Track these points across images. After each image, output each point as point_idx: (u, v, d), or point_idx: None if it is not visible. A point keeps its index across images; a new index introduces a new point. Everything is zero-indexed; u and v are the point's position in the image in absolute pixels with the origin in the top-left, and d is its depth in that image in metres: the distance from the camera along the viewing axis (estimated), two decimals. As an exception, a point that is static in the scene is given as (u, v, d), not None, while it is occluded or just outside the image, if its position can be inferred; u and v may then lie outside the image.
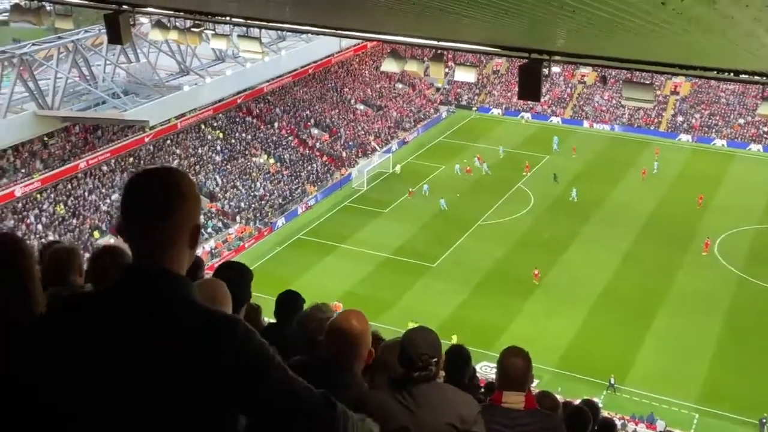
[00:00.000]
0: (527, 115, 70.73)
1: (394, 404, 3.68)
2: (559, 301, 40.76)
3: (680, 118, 68.33)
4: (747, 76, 10.25)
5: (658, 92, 66.07)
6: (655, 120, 68.42)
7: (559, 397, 8.85)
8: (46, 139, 46.26)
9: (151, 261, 2.30)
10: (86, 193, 45.89)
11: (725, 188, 55.50)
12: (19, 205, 43.06)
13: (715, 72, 10.99)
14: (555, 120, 70.50)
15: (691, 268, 44.53)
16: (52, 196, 44.54)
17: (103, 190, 46.70)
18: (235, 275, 4.17)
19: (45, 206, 43.86)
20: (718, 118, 67.70)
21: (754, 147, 63.83)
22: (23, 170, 44.32)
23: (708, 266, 44.77)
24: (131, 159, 49.78)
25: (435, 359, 3.84)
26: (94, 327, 2.23)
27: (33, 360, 2.26)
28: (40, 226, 42.46)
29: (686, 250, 46.38)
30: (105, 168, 47.96)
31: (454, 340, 33.95)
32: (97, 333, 2.22)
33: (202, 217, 48.91)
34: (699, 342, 37.21)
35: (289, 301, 6.04)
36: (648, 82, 14.38)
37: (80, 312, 2.30)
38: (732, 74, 10.42)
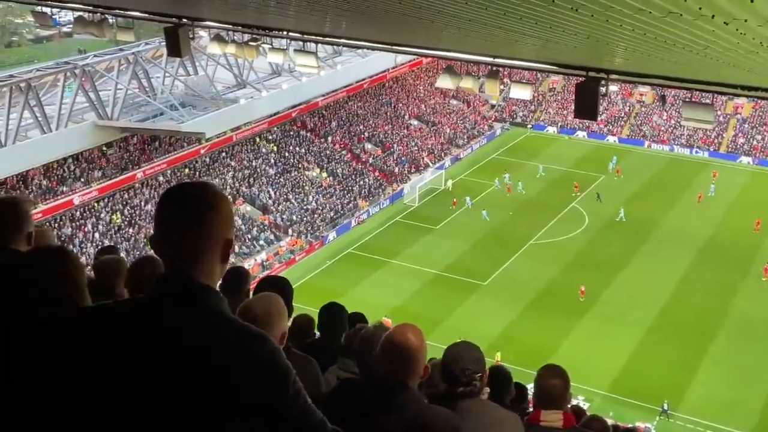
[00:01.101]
0: (582, 134, 70.02)
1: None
2: (612, 323, 40.09)
3: (741, 140, 66.89)
4: (812, 98, 9.95)
5: (719, 112, 64.84)
6: (715, 141, 67.08)
7: (610, 422, 8.66)
8: (104, 148, 47.26)
9: (181, 272, 2.32)
10: (142, 203, 46.69)
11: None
12: (77, 213, 43.98)
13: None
14: (612, 139, 69.61)
15: (749, 292, 43.43)
16: (110, 205, 45.42)
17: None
18: (276, 290, 4.15)
19: (102, 215, 44.72)
20: (780, 140, 66.18)
21: (818, 170, 62.21)
22: (82, 179, 45.30)
23: (768, 292, 43.68)
24: (187, 170, 50.55)
25: (479, 374, 3.74)
26: (118, 335, 2.26)
27: (50, 363, 2.29)
28: (96, 235, 43.31)
29: (745, 275, 45.30)
30: (161, 178, 48.75)
31: (498, 357, 33.70)
32: (121, 341, 2.24)
33: (254, 229, 49.72)
34: (758, 369, 36.17)
35: (332, 312, 6.00)
36: (708, 102, 14.06)
37: (106, 320, 2.32)
38: (797, 96, 10.14)
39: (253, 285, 6.12)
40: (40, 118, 42.44)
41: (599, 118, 61.25)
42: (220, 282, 6.14)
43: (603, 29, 5.75)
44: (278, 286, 4.66)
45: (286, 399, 2.27)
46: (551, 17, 5.37)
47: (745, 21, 4.23)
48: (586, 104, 12.68)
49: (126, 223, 45.22)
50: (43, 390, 2.29)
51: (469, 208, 54.87)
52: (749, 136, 66.95)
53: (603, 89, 12.30)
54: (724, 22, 4.34)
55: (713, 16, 4.24)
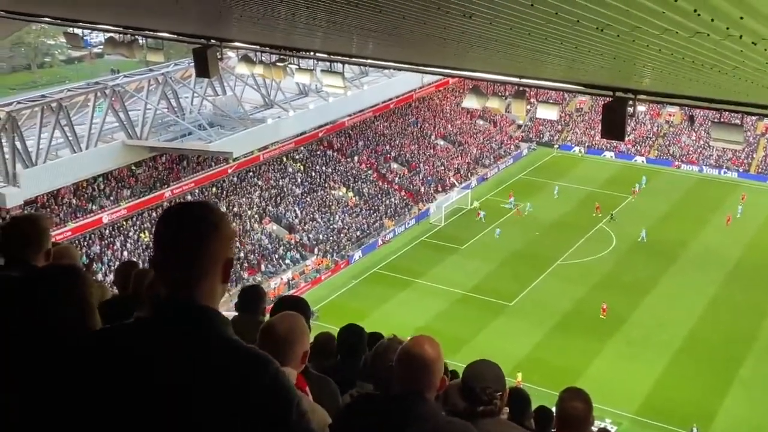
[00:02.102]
0: (609, 154, 69.62)
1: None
2: (640, 345, 39.66)
3: (771, 160, 66.17)
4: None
5: (749, 133, 64.22)
6: (745, 162, 66.37)
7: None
8: (133, 167, 47.73)
9: (183, 294, 2.29)
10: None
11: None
12: (106, 231, 44.38)
13: (810, 114, 10.59)
14: (639, 159, 69.14)
15: (780, 315, 42.80)
16: (138, 223, 45.79)
17: (187, 219, 47.69)
18: (293, 310, 4.15)
19: (130, 233, 45.09)
20: (811, 160, 65.31)
21: None
22: (111, 197, 45.76)
23: (799, 315, 42.95)
24: (214, 189, 50.90)
25: (500, 393, 3.67)
26: (122, 358, 2.24)
27: (48, 379, 2.31)
28: (125, 253, 43.64)
29: (775, 297, 44.67)
30: (189, 197, 49.03)
31: (520, 377, 33.45)
32: (124, 364, 2.22)
33: (281, 248, 49.77)
34: (788, 394, 35.61)
35: (350, 334, 5.97)
36: (738, 123, 13.92)
37: (109, 343, 2.32)
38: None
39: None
40: (70, 138, 42.96)
41: (627, 139, 60.97)
42: (236, 301, 6.16)
43: (630, 50, 5.72)
44: (295, 305, 4.65)
45: (289, 422, 2.25)
46: (576, 37, 5.35)
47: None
48: (614, 124, 12.62)
49: (154, 241, 45.44)
50: (39, 404, 2.30)
51: (482, 222, 55.34)
52: (780, 157, 66.22)
53: (631, 109, 12.23)
54: (753, 42, 4.31)
55: (741, 36, 4.21)
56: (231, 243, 2.39)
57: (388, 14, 6.19)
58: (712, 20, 3.95)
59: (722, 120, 13.78)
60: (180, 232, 2.32)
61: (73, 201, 44.17)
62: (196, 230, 2.31)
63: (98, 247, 43.12)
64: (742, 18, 3.86)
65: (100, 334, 2.43)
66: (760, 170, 65.55)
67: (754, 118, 59.98)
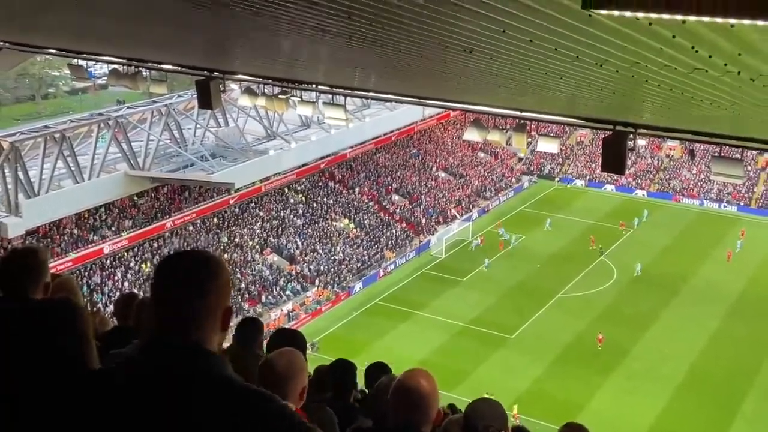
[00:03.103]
0: (610, 188, 69.72)
1: None
2: (642, 379, 39.40)
3: (772, 194, 66.22)
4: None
5: (748, 167, 64.36)
6: (746, 196, 66.45)
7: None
8: (135, 198, 47.80)
9: (182, 339, 2.27)
10: (171, 253, 46.84)
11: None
12: (107, 261, 44.33)
13: (809, 148, 10.63)
14: (640, 193, 69.24)
15: (783, 350, 42.56)
16: (139, 254, 45.75)
17: (188, 250, 47.65)
18: (289, 343, 4.15)
19: (131, 264, 45.03)
20: (812, 194, 65.37)
21: None
22: (113, 228, 45.76)
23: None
24: (216, 220, 50.93)
25: (502, 431, 3.67)
26: (123, 402, 2.21)
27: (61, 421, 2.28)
28: (126, 284, 43.56)
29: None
30: (191, 228, 49.12)
31: (516, 410, 33.23)
32: (126, 408, 2.19)
33: (281, 279, 49.58)
34: (791, 429, 35.32)
35: (341, 369, 5.94)
36: (738, 157, 13.96)
37: (108, 387, 2.28)
38: (827, 151, 10.07)
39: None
40: (73, 168, 43.05)
41: (627, 172, 61.10)
42: (233, 334, 6.18)
43: (629, 85, 5.77)
44: (292, 339, 4.66)
45: None
46: (576, 73, 5.40)
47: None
48: (614, 158, 12.65)
49: (154, 272, 45.35)
50: None
51: (473, 251, 55.80)
52: (780, 191, 66.27)
53: (631, 143, 12.27)
54: (750, 79, 4.35)
55: (739, 73, 4.25)
56: (229, 291, 2.38)
57: (389, 48, 6.25)
58: (710, 57, 3.99)
59: (722, 154, 13.83)
60: (179, 282, 2.30)
61: (75, 231, 44.16)
62: (195, 281, 2.29)
63: (99, 278, 43.04)
64: (740, 55, 3.90)
65: (97, 376, 2.40)
66: (760, 204, 65.57)
67: (754, 152, 60.21)
